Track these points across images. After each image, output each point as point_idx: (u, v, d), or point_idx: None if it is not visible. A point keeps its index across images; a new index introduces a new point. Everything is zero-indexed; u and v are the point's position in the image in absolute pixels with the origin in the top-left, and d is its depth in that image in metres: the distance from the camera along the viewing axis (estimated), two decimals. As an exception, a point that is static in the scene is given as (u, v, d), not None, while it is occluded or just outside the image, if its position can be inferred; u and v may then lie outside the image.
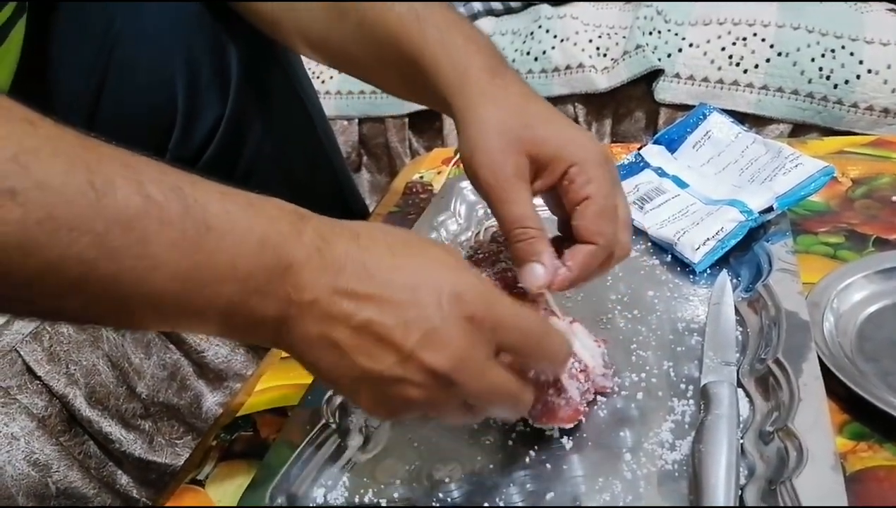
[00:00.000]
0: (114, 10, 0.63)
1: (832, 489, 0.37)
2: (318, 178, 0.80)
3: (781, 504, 0.37)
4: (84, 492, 0.77)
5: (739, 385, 0.46)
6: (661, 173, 0.67)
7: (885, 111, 1.01)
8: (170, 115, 0.66)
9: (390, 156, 1.26)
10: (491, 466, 0.44)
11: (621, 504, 0.40)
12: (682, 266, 0.59)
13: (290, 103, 0.75)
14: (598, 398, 0.47)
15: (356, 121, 1.25)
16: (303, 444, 0.46)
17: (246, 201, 0.35)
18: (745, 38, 1.06)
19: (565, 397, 0.43)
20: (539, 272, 0.44)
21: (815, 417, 0.41)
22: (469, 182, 0.48)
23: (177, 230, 0.32)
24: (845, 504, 0.36)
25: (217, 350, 0.93)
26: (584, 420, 0.45)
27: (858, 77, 1.01)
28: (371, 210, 0.85)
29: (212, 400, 0.96)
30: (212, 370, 0.95)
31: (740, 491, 0.39)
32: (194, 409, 0.94)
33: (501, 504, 0.42)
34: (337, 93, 1.24)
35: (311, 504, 0.44)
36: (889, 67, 1.00)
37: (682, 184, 0.66)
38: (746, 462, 0.41)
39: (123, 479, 0.89)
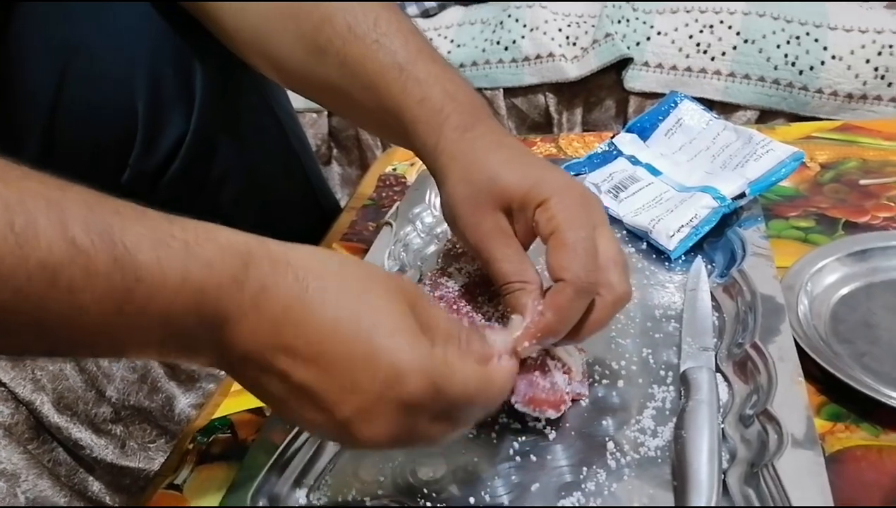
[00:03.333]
0: (74, 22, 0.61)
1: (813, 469, 0.37)
2: (291, 184, 0.79)
3: (764, 487, 0.38)
4: (55, 501, 0.75)
5: (718, 370, 0.46)
6: (635, 161, 0.68)
7: (849, 96, 1.03)
8: (131, 129, 0.64)
9: (361, 148, 1.24)
10: (475, 460, 0.44)
11: (606, 492, 0.40)
12: (657, 253, 0.59)
13: (261, 115, 0.73)
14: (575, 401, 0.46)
15: (325, 113, 1.23)
16: (283, 445, 0.45)
17: (182, 245, 0.32)
18: (711, 26, 1.07)
19: (551, 380, 0.43)
20: (515, 323, 0.42)
21: (794, 399, 0.41)
22: None
23: (104, 281, 0.30)
24: (826, 484, 0.36)
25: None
26: (564, 410, 0.44)
27: (823, 63, 1.03)
28: (343, 204, 0.84)
29: (184, 402, 0.94)
30: (183, 371, 0.93)
31: (723, 475, 0.39)
32: (166, 412, 0.92)
33: (487, 497, 0.41)
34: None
35: (293, 505, 0.43)
36: (852, 53, 1.02)
37: (655, 171, 0.66)
38: (728, 447, 0.41)
39: (95, 486, 0.87)
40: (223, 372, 0.92)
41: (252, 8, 0.54)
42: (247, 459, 0.45)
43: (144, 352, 0.34)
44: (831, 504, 0.35)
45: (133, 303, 0.31)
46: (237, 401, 0.56)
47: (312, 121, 1.23)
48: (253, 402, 0.55)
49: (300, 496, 0.44)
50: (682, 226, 0.58)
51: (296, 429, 0.46)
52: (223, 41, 0.59)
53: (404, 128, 0.48)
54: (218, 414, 0.55)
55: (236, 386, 0.57)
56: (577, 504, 0.40)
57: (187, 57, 0.63)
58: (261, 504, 0.43)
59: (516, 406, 0.43)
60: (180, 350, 0.34)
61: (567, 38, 1.09)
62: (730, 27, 1.07)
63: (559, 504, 0.40)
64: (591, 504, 0.40)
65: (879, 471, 0.40)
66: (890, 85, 1.01)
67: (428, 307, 0.37)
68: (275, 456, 0.45)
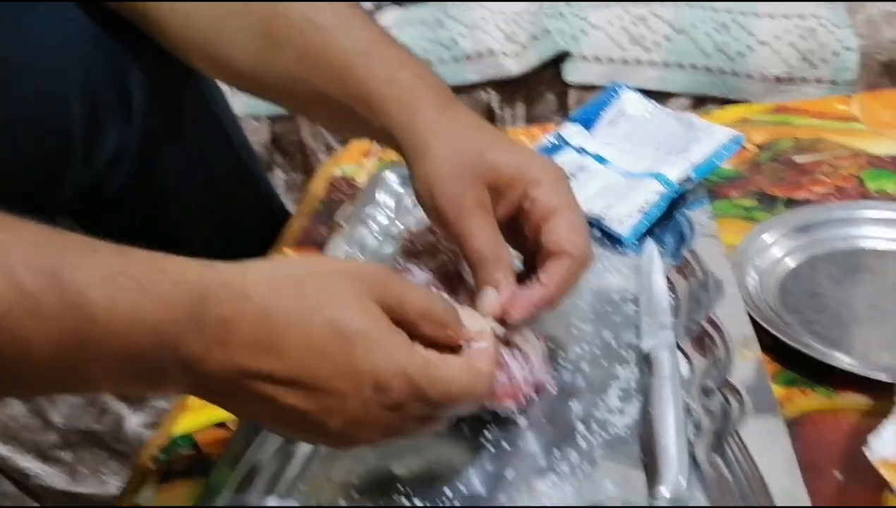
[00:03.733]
0: None
1: (776, 434, 0.39)
2: (241, 190, 0.78)
3: (730, 454, 0.39)
4: (3, 535, 0.73)
5: (677, 346, 0.48)
6: (582, 151, 0.69)
7: (777, 79, 1.07)
8: (66, 142, 0.61)
9: (305, 153, 1.23)
10: (449, 452, 0.44)
11: (580, 472, 0.41)
12: (610, 239, 0.61)
13: (204, 120, 0.71)
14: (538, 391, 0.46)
15: (266, 119, 1.21)
16: (250, 457, 0.44)
17: (134, 283, 0.31)
18: (644, 18, 1.10)
19: (507, 374, 0.43)
20: (491, 296, 0.43)
21: (752, 368, 0.43)
22: (420, 204, 0.47)
23: (54, 326, 0.29)
24: (789, 446, 0.38)
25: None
26: (524, 401, 0.44)
27: (751, 48, 1.07)
28: (292, 210, 0.83)
29: (135, 422, 0.91)
30: (134, 390, 0.91)
31: (691, 447, 0.40)
32: (116, 433, 0.89)
33: (463, 488, 0.42)
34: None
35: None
36: (778, 38, 1.06)
37: (602, 160, 0.67)
38: (692, 419, 0.42)
39: (44, 515, 0.84)
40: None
41: (198, 7, 0.53)
42: (213, 473, 0.44)
43: (107, 388, 0.34)
44: (796, 466, 0.37)
45: (86, 346, 0.30)
46: (198, 416, 0.54)
47: (254, 129, 1.20)
48: (216, 417, 0.54)
49: (271, 502, 0.43)
50: (634, 212, 0.60)
51: (265, 440, 0.45)
52: (163, 43, 0.57)
53: (372, 112, 0.48)
54: (179, 431, 0.54)
55: (196, 401, 0.56)
56: (552, 487, 0.41)
57: (123, 62, 0.61)
58: (232, 516, 0.42)
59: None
60: (145, 384, 0.34)
61: (505, 35, 1.10)
62: (662, 18, 1.10)
63: (534, 486, 0.41)
64: (565, 486, 0.41)
65: (836, 431, 0.42)
66: (815, 67, 1.06)
67: (397, 288, 0.37)
68: (242, 468, 0.44)
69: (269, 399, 0.34)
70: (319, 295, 0.34)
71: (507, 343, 0.45)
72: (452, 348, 0.38)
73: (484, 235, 0.44)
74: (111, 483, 0.81)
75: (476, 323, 0.40)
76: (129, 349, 0.31)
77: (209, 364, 0.33)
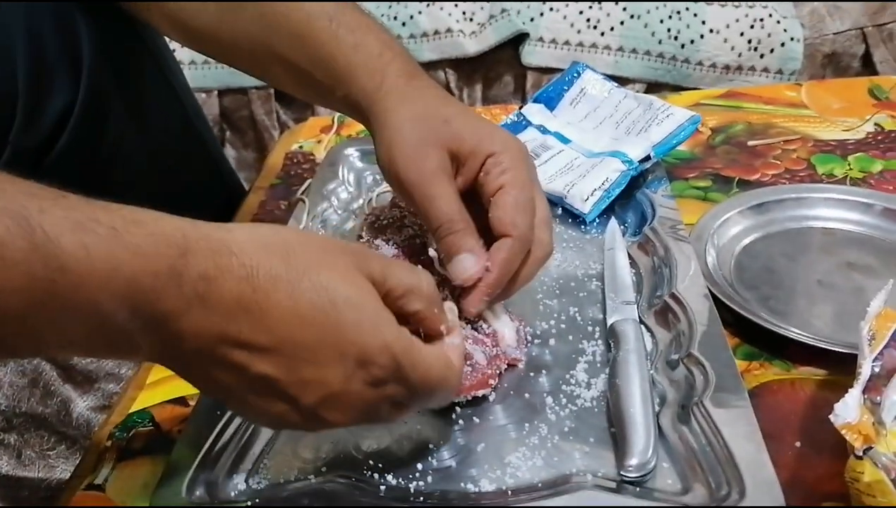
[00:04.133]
0: None
1: (739, 404, 0.40)
2: (191, 159, 0.75)
3: (695, 424, 0.40)
4: (-54, 521, 0.69)
5: (641, 321, 0.48)
6: (544, 130, 0.69)
7: (727, 67, 1.10)
8: (10, 100, 0.57)
9: (257, 129, 1.20)
10: (419, 428, 0.44)
11: (549, 444, 0.41)
12: (572, 217, 0.61)
13: (154, 82, 0.68)
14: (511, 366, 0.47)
15: (216, 92, 1.18)
16: (215, 432, 0.43)
17: (109, 231, 0.29)
18: (600, 2, 1.11)
19: (470, 363, 0.43)
20: (469, 262, 0.42)
21: (714, 341, 0.44)
22: (385, 176, 0.46)
23: (23, 271, 0.27)
24: (753, 416, 0.39)
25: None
26: (494, 384, 0.44)
27: (702, 36, 1.09)
28: (246, 186, 0.81)
29: (82, 405, 0.88)
30: (79, 372, 0.87)
31: (657, 418, 0.41)
32: (63, 417, 0.86)
33: (434, 462, 0.41)
34: (191, 63, 1.15)
35: (232, 492, 0.42)
36: (728, 27, 1.09)
37: (564, 139, 0.68)
38: (658, 391, 0.43)
39: (-10, 500, 0.80)
40: (124, 370, 0.86)
41: None
42: (176, 450, 0.43)
43: (69, 349, 0.31)
44: (759, 435, 0.38)
45: (56, 296, 0.28)
46: (154, 393, 0.53)
47: (202, 102, 1.17)
48: (173, 392, 0.52)
49: (238, 481, 0.42)
50: (595, 189, 0.60)
51: (227, 415, 0.44)
52: (120, 4, 0.55)
53: (335, 78, 0.47)
54: (135, 408, 0.52)
55: (153, 378, 0.54)
56: (522, 459, 0.41)
57: (71, 19, 0.58)
58: (197, 494, 0.41)
59: None
60: (110, 346, 0.31)
61: (464, 13, 1.09)
62: (617, 2, 1.11)
63: (504, 458, 0.41)
64: (536, 458, 0.41)
65: (795, 401, 0.44)
66: (762, 56, 1.09)
67: (379, 262, 0.36)
68: (207, 444, 0.43)
69: (242, 367, 0.32)
70: (308, 260, 0.33)
71: (476, 319, 0.45)
72: (429, 340, 0.38)
73: (448, 199, 0.43)
74: (59, 468, 0.78)
75: (447, 314, 0.40)
76: (102, 302, 0.28)
77: (185, 322, 0.30)
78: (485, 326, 0.46)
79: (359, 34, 0.47)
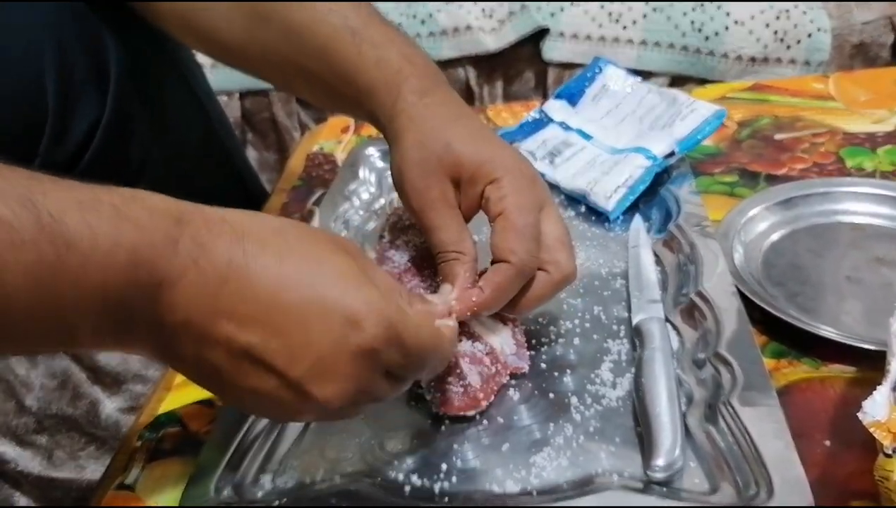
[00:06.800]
0: None
1: (767, 403, 0.39)
2: (213, 165, 0.76)
3: (723, 423, 0.39)
4: (-19, 521, 0.71)
5: (666, 319, 0.48)
6: (566, 127, 0.69)
7: (752, 59, 1.08)
8: (39, 118, 0.59)
9: (278, 131, 1.21)
10: (443, 428, 0.44)
11: (575, 444, 0.41)
12: (596, 215, 0.61)
13: (178, 91, 0.69)
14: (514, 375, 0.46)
15: (237, 95, 1.19)
16: (242, 432, 0.44)
17: (110, 208, 0.30)
18: (622, -5, 1.10)
19: (463, 384, 0.43)
20: (444, 292, 0.42)
21: (742, 339, 0.44)
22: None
23: (32, 252, 0.28)
24: (781, 415, 0.38)
25: (110, 352, 0.87)
26: (485, 405, 0.44)
27: (727, 28, 1.08)
28: (268, 188, 0.81)
29: (111, 407, 0.90)
30: (107, 374, 0.89)
31: (684, 417, 0.41)
32: (92, 418, 0.88)
33: (458, 462, 0.41)
34: (213, 65, 1.16)
35: (260, 492, 0.42)
36: (753, 18, 1.07)
37: (586, 136, 0.67)
38: (684, 390, 0.43)
39: (23, 501, 0.82)
40: (151, 372, 0.87)
41: None
42: (204, 451, 0.44)
43: (76, 339, 0.32)
44: (788, 434, 0.38)
45: (65, 274, 0.29)
46: (182, 394, 0.53)
47: (224, 104, 1.18)
48: (201, 394, 0.53)
49: (265, 481, 0.43)
50: (619, 186, 0.60)
51: (252, 416, 0.45)
52: (143, 14, 0.55)
53: (358, 93, 0.47)
54: (163, 409, 0.53)
55: (180, 379, 0.55)
56: (547, 459, 0.41)
57: (99, 35, 0.59)
58: (225, 494, 0.41)
59: (436, 411, 0.44)
60: (114, 330, 0.32)
61: (483, 10, 1.09)
62: (639, -4, 1.10)
63: (530, 459, 0.41)
64: (561, 458, 0.41)
65: (824, 399, 0.43)
66: (789, 47, 1.07)
67: (369, 264, 0.37)
68: (234, 445, 0.44)
69: (228, 340, 0.32)
70: (300, 239, 0.34)
71: (471, 335, 0.45)
72: None
73: (446, 229, 0.44)
74: (89, 468, 0.79)
75: (440, 301, 0.41)
76: (107, 277, 0.30)
77: (179, 290, 0.31)
78: (481, 346, 0.45)
79: (381, 49, 0.47)
